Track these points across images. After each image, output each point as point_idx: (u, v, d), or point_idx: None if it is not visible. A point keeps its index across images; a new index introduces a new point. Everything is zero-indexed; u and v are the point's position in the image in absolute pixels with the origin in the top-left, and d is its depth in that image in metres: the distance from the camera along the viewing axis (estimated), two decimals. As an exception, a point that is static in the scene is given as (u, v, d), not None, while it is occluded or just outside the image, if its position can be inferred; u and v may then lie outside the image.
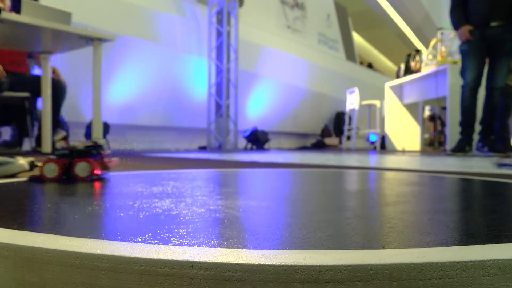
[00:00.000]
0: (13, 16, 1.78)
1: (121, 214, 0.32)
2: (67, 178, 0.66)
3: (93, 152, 0.69)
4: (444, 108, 4.80)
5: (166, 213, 0.33)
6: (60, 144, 0.68)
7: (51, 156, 0.67)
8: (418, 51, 4.43)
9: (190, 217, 0.31)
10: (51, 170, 0.64)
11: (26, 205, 0.37)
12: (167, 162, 1.50)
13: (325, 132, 6.48)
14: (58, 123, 2.45)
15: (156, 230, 0.26)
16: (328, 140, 6.27)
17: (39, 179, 0.64)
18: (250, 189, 0.51)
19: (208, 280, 0.18)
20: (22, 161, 0.89)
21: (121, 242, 0.22)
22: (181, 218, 0.30)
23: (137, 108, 3.96)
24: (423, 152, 3.84)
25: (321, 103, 6.50)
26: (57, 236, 0.23)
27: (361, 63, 8.95)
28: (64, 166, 0.66)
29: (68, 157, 0.67)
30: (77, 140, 0.69)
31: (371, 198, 0.43)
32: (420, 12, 8.33)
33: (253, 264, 0.18)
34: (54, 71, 2.42)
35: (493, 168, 1.21)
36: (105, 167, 0.72)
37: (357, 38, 9.45)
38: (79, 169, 0.66)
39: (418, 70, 4.21)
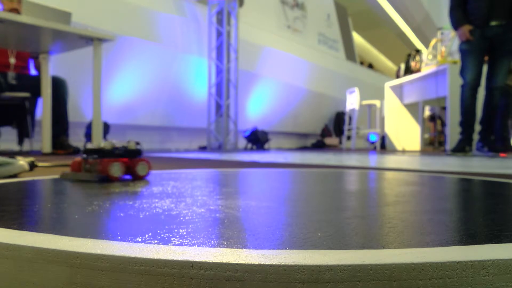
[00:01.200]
0: (13, 16, 1.78)
1: (121, 214, 0.32)
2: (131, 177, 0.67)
3: (140, 152, 0.70)
4: (444, 108, 4.80)
5: (166, 213, 0.33)
6: (105, 143, 0.68)
7: (91, 156, 0.66)
8: (418, 51, 4.43)
9: (190, 217, 0.31)
10: (118, 169, 0.64)
11: (26, 205, 0.37)
12: (167, 162, 1.50)
13: (325, 132, 6.48)
14: (66, 124, 2.44)
15: (156, 230, 0.26)
16: (328, 140, 6.27)
17: (106, 179, 0.63)
18: (250, 189, 0.51)
19: (208, 280, 0.18)
20: (22, 162, 0.89)
21: (121, 242, 0.22)
22: (181, 218, 0.30)
23: (137, 108, 3.96)
24: (423, 152, 3.84)
25: (321, 103, 6.50)
26: (57, 236, 0.23)
27: (361, 63, 8.95)
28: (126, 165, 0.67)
29: (126, 156, 0.68)
30: (115, 140, 0.69)
31: (371, 198, 0.43)
32: (420, 12, 8.33)
33: (253, 264, 0.18)
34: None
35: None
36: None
37: (357, 38, 9.44)
38: (140, 169, 0.67)
39: (418, 70, 4.21)
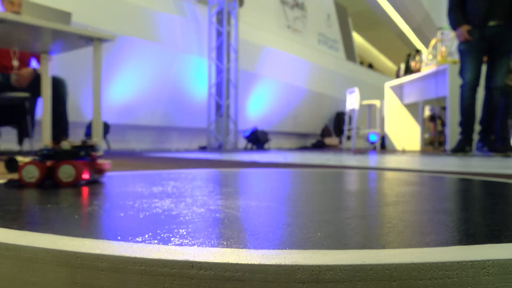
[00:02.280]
0: (13, 16, 1.78)
1: (121, 214, 0.32)
2: (51, 182, 0.58)
3: (81, 153, 0.60)
4: (444, 108, 4.80)
5: (166, 213, 0.33)
6: (44, 144, 0.59)
7: (35, 158, 0.59)
8: (418, 51, 4.43)
9: (190, 217, 0.31)
10: (31, 173, 0.55)
11: (26, 205, 0.37)
12: (167, 162, 1.50)
13: (325, 132, 6.48)
14: (66, 124, 2.43)
15: (156, 230, 0.26)
16: (328, 140, 6.27)
17: (17, 184, 0.55)
18: (250, 189, 0.51)
19: (208, 280, 0.18)
20: None
21: (121, 242, 0.22)
22: (181, 218, 0.30)
23: (137, 108, 3.96)
24: (423, 152, 3.84)
25: (321, 103, 6.50)
26: (57, 236, 0.23)
27: (361, 63, 8.95)
28: (47, 169, 0.57)
29: (52, 158, 0.58)
30: (66, 140, 0.62)
31: (371, 198, 0.43)
32: (420, 12, 8.33)
33: (253, 264, 0.18)
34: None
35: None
36: (97, 170, 0.63)
37: (357, 38, 9.44)
38: (62, 173, 0.56)
39: (418, 70, 4.21)
